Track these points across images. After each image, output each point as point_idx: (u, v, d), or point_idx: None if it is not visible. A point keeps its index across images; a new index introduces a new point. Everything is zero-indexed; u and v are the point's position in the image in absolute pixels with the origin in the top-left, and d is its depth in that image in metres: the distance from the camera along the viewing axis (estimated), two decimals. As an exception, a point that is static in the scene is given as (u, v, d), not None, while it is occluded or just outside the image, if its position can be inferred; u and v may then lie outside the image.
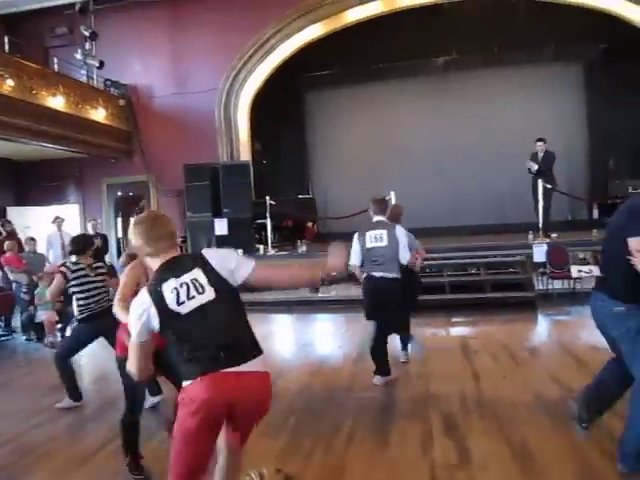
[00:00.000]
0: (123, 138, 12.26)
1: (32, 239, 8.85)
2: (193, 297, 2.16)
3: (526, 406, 4.15)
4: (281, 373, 5.51)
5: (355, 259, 4.90)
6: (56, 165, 12.54)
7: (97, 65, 11.65)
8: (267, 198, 10.55)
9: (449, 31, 11.82)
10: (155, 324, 2.17)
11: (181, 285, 2.17)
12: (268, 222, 10.59)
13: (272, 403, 4.60)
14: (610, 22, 11.15)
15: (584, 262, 10.42)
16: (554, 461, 3.24)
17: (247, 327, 2.27)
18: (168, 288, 2.16)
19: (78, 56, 11.47)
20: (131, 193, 13.07)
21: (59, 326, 7.62)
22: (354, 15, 11.71)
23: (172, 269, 2.21)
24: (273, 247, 10.71)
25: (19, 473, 3.60)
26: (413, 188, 11.81)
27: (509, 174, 11.22)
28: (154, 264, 2.28)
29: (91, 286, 4.70)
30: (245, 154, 12.29)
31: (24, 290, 8.18)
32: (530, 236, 9.49)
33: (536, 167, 9.38)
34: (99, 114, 11.40)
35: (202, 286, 2.18)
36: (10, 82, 8.93)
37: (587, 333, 6.57)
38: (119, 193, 13.08)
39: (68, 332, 7.51)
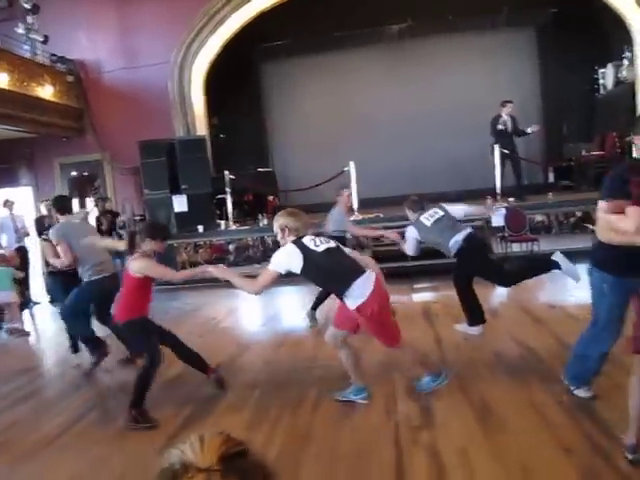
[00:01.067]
0: (74, 116, 11.84)
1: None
2: (322, 243, 3.50)
3: (486, 365, 4.26)
4: (246, 347, 5.53)
5: (412, 249, 5.21)
6: (5, 146, 12.04)
7: (41, 40, 11.15)
8: (226, 173, 10.40)
9: (403, -2, 11.74)
10: (297, 267, 3.42)
11: (314, 239, 3.52)
12: (228, 197, 10.45)
13: (237, 377, 4.62)
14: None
15: (542, 224, 10.75)
16: (513, 415, 3.35)
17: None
18: (306, 240, 3.48)
19: (20, 30, 10.95)
20: (85, 172, 12.71)
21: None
22: (307, -18, 11.48)
23: (306, 236, 3.53)
24: (234, 222, 10.60)
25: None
26: (373, 158, 11.83)
27: (468, 140, 11.32)
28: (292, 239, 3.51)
29: None
30: (202, 128, 12.04)
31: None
32: (488, 201, 9.63)
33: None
34: (46, 91, 10.96)
35: (327, 240, 3.59)
36: (-53, 59, 8.49)
37: (544, 293, 6.78)
38: (73, 173, 12.70)
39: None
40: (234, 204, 10.77)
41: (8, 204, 8.94)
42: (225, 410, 3.91)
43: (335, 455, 3.11)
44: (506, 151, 9.44)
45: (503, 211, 8.77)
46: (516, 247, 8.81)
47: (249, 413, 3.76)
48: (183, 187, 10.39)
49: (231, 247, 10.95)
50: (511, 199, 9.58)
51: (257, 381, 4.35)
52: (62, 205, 5.25)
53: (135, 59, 11.69)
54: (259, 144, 13.61)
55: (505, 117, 9.44)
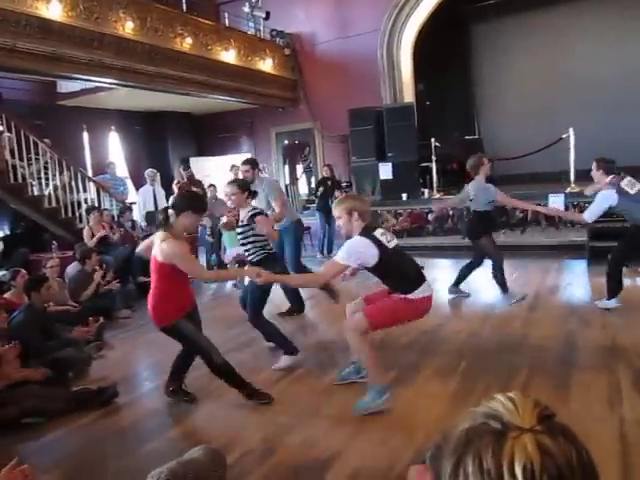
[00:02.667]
0: (289, 87, 12.60)
1: (213, 186, 9.59)
2: (393, 239, 3.44)
3: None
4: (449, 318, 5.45)
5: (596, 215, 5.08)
6: (230, 117, 13.33)
7: (263, 16, 11.98)
8: (432, 140, 10.24)
9: None
10: (371, 262, 3.31)
11: (385, 233, 3.42)
12: (433, 165, 10.30)
13: (443, 345, 4.59)
14: None
15: None
16: None
17: None
18: (378, 233, 3.38)
19: (245, 9, 11.87)
20: (297, 141, 13.50)
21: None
22: None
23: (374, 228, 3.45)
24: (438, 191, 10.44)
25: (211, 393, 4.02)
26: (594, 123, 10.65)
27: None
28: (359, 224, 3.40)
29: None
30: (408, 95, 11.95)
31: (208, 233, 8.95)
32: None
33: None
34: (266, 65, 11.80)
35: (392, 236, 3.47)
36: (189, 40, 9.54)
37: None
38: (286, 141, 13.58)
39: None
40: (439, 172, 10.60)
41: (234, 169, 9.89)
42: (431, 376, 3.92)
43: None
44: None
45: None
46: None
47: (455, 383, 3.71)
48: (389, 154, 10.48)
49: (430, 217, 10.81)
50: None
51: (463, 353, 4.27)
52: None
53: (347, 29, 11.96)
54: (466, 110, 13.12)
55: None
